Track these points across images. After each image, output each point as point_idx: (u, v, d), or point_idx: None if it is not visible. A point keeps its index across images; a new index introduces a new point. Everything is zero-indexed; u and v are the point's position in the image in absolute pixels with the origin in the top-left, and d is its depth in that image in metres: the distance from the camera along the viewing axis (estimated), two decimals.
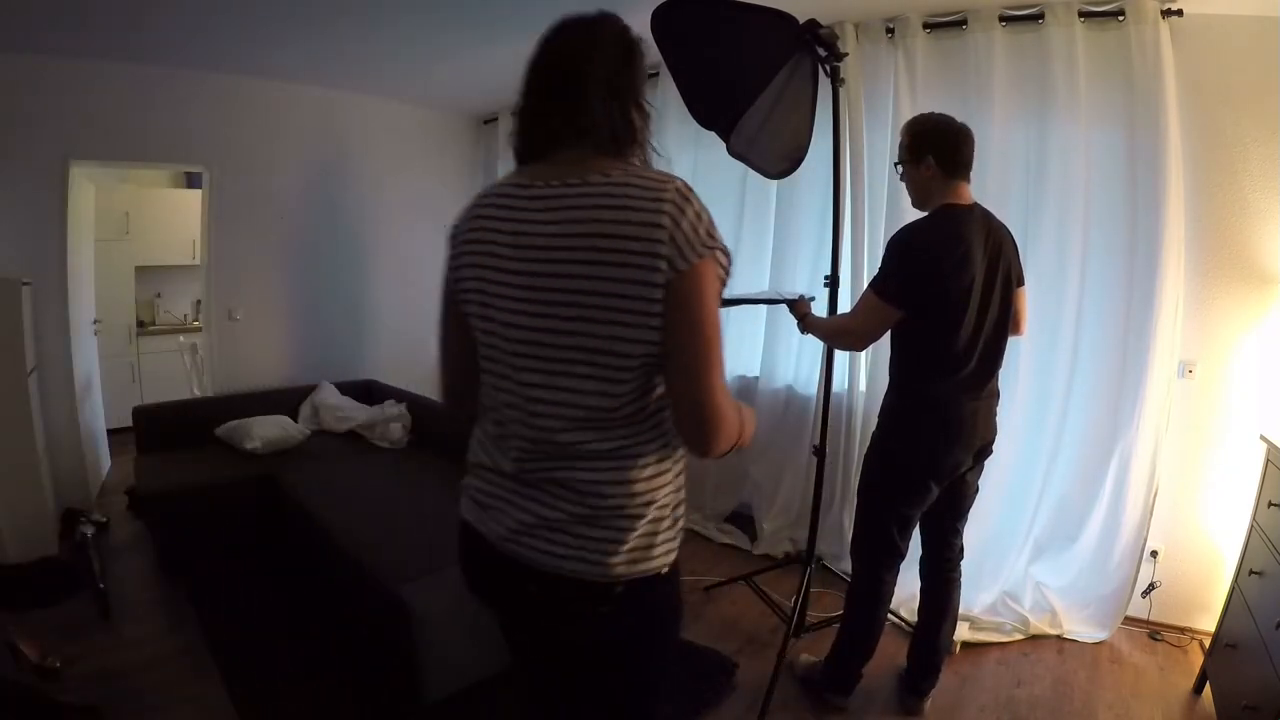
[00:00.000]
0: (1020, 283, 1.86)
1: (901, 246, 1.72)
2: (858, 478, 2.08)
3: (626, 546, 0.91)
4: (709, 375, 0.87)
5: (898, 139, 1.89)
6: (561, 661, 1.08)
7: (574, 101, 0.91)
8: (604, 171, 0.88)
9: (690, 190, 0.87)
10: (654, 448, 0.94)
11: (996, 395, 1.87)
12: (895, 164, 1.88)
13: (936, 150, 1.74)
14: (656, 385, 0.92)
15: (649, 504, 0.92)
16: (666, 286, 0.83)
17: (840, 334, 1.97)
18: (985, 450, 1.88)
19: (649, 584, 0.94)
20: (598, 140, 0.91)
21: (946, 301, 1.68)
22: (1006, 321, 1.80)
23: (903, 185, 1.90)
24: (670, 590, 1.00)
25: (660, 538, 0.95)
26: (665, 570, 0.96)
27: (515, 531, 0.95)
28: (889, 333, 1.80)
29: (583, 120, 0.91)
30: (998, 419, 1.89)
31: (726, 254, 0.89)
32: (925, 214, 1.79)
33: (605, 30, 0.94)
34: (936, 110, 1.86)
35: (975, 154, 1.78)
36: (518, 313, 0.90)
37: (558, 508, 0.91)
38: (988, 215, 1.79)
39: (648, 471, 0.93)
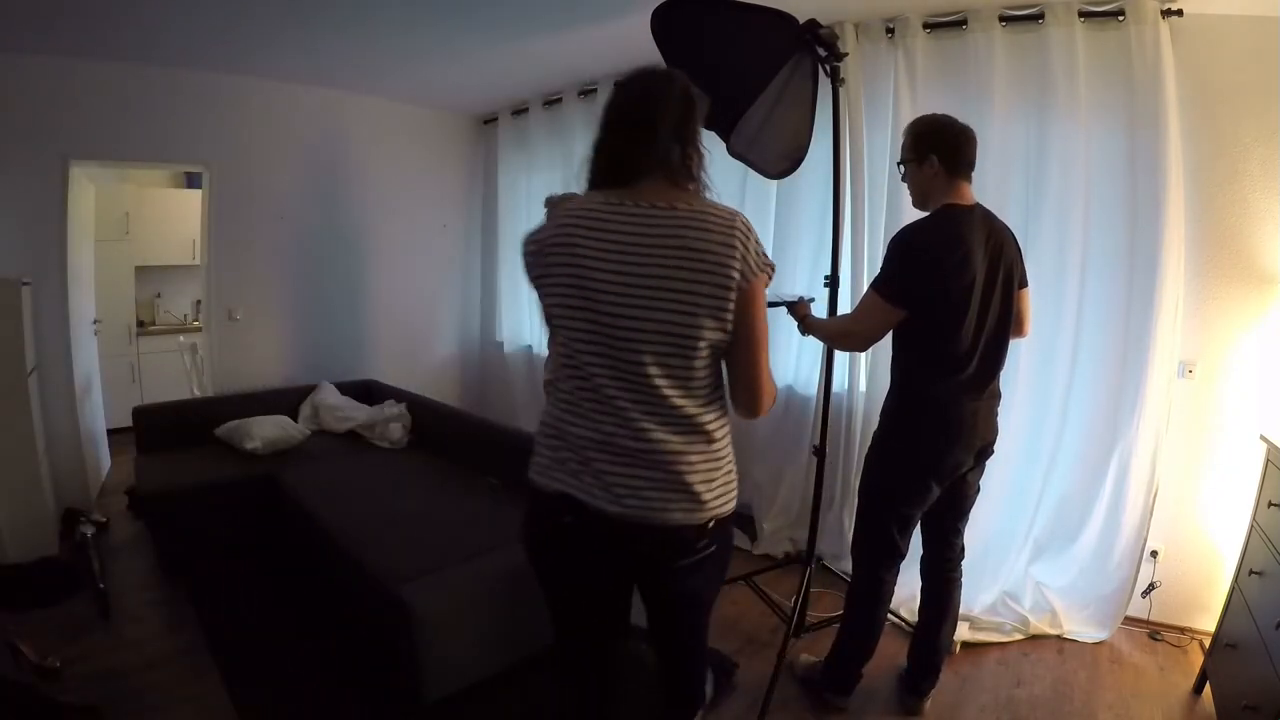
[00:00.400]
0: (1023, 284, 1.86)
1: (903, 246, 1.72)
2: (858, 478, 2.07)
3: (713, 493, 1.17)
4: (761, 359, 1.19)
5: (898, 139, 1.89)
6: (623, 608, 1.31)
7: (651, 142, 1.16)
8: (685, 201, 1.15)
9: (750, 223, 1.16)
10: (720, 416, 1.20)
11: (998, 396, 1.87)
12: (899, 163, 1.88)
13: (940, 150, 1.74)
14: (720, 367, 1.20)
15: (721, 458, 1.20)
16: (737, 292, 1.11)
17: (842, 335, 1.96)
18: (986, 451, 1.88)
19: (724, 519, 1.22)
20: (668, 173, 1.17)
21: (947, 301, 1.67)
22: (1008, 322, 1.80)
23: (903, 185, 1.91)
24: (731, 522, 1.26)
25: (731, 482, 1.23)
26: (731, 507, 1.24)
27: (621, 496, 1.14)
28: (890, 334, 1.80)
29: (657, 157, 1.16)
30: (998, 419, 1.89)
31: (772, 269, 1.18)
32: (926, 214, 1.79)
33: (675, 86, 1.19)
34: (937, 110, 1.86)
35: (975, 154, 1.78)
36: (617, 302, 1.11)
37: (658, 468, 1.13)
38: (989, 215, 1.79)
39: (719, 433, 1.19)
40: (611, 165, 1.19)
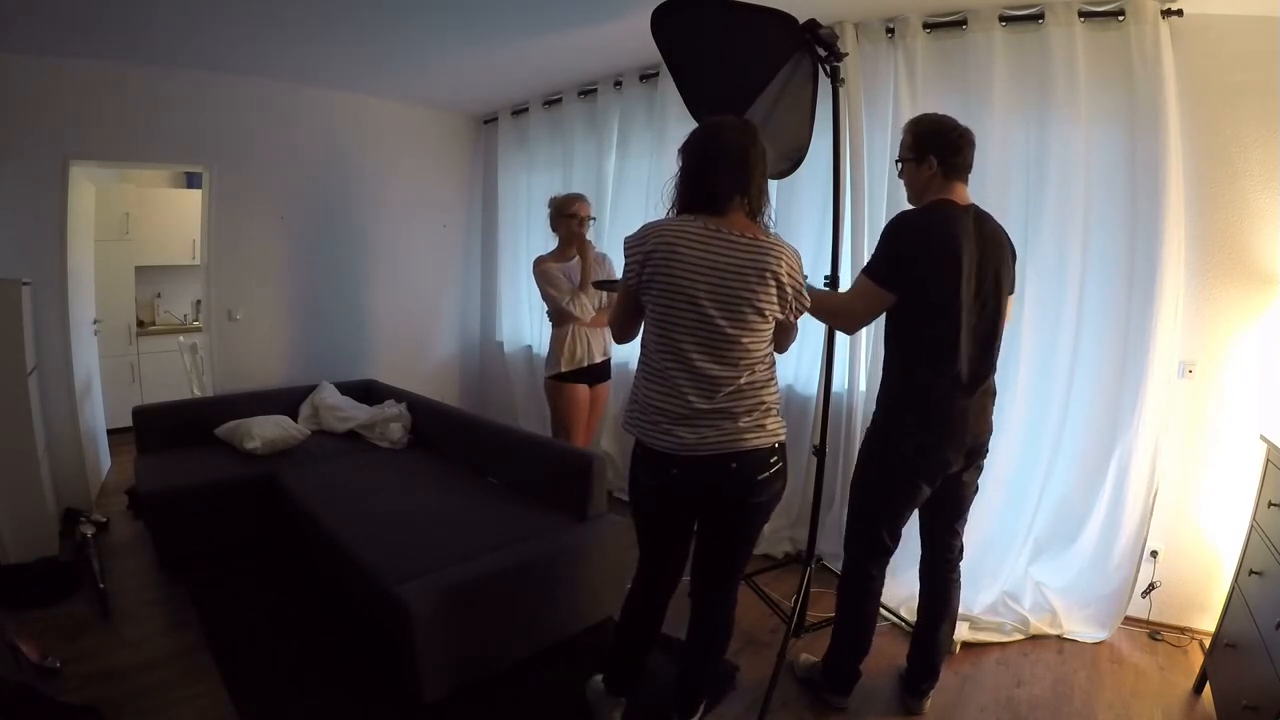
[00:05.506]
0: (1010, 290, 1.86)
1: (893, 231, 1.76)
2: None
3: (774, 424, 1.60)
4: (794, 336, 1.72)
5: (898, 138, 1.90)
6: (716, 515, 1.67)
7: (744, 181, 1.53)
8: (765, 233, 1.57)
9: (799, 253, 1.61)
10: (774, 379, 1.63)
11: (992, 395, 1.87)
12: (897, 161, 1.89)
13: (939, 151, 1.75)
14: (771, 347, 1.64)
15: (775, 403, 1.62)
16: (794, 300, 1.58)
17: (831, 314, 1.96)
18: (979, 450, 1.87)
19: (783, 443, 1.64)
20: (749, 207, 1.56)
21: (934, 289, 1.69)
22: (998, 322, 1.81)
23: (902, 184, 1.91)
24: (785, 447, 1.66)
25: (782, 421, 1.64)
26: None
27: (708, 438, 1.54)
28: (884, 332, 1.81)
29: (744, 193, 1.54)
30: (995, 419, 1.89)
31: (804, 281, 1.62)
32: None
33: (758, 138, 1.56)
34: (937, 110, 1.87)
35: (975, 155, 1.79)
36: (712, 307, 1.51)
37: (737, 417, 1.55)
38: (984, 217, 1.79)
39: (772, 386, 1.62)
40: (710, 195, 1.53)
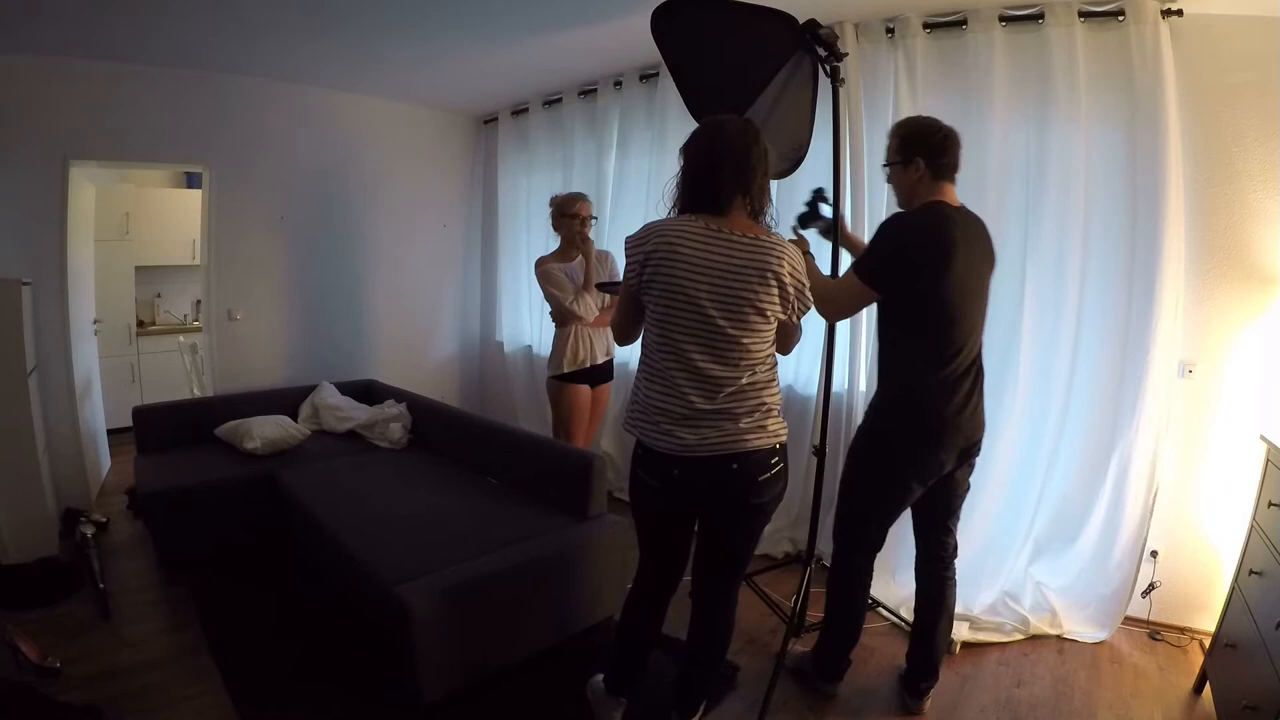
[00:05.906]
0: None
1: (885, 233, 1.76)
2: None
3: (775, 425, 1.59)
4: (797, 336, 1.71)
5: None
6: (717, 516, 1.66)
7: (746, 181, 1.52)
8: (767, 232, 1.56)
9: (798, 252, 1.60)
10: (774, 375, 1.62)
11: (981, 393, 1.87)
12: (884, 165, 1.89)
13: (925, 153, 1.76)
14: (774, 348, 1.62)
15: (776, 404, 1.61)
16: (797, 299, 1.56)
17: (821, 299, 1.89)
18: (972, 450, 1.88)
19: (784, 444, 1.62)
20: (751, 207, 1.55)
21: (926, 289, 1.70)
22: (982, 323, 1.82)
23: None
24: (787, 448, 1.64)
25: (784, 422, 1.63)
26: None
27: (710, 440, 1.52)
28: (878, 331, 1.82)
29: (746, 192, 1.53)
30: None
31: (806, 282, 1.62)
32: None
33: (760, 137, 1.55)
34: (936, 111, 1.88)
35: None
36: (713, 308, 1.49)
37: (739, 417, 1.53)
38: (973, 219, 1.80)
39: (774, 387, 1.61)
40: (711, 195, 1.52)
